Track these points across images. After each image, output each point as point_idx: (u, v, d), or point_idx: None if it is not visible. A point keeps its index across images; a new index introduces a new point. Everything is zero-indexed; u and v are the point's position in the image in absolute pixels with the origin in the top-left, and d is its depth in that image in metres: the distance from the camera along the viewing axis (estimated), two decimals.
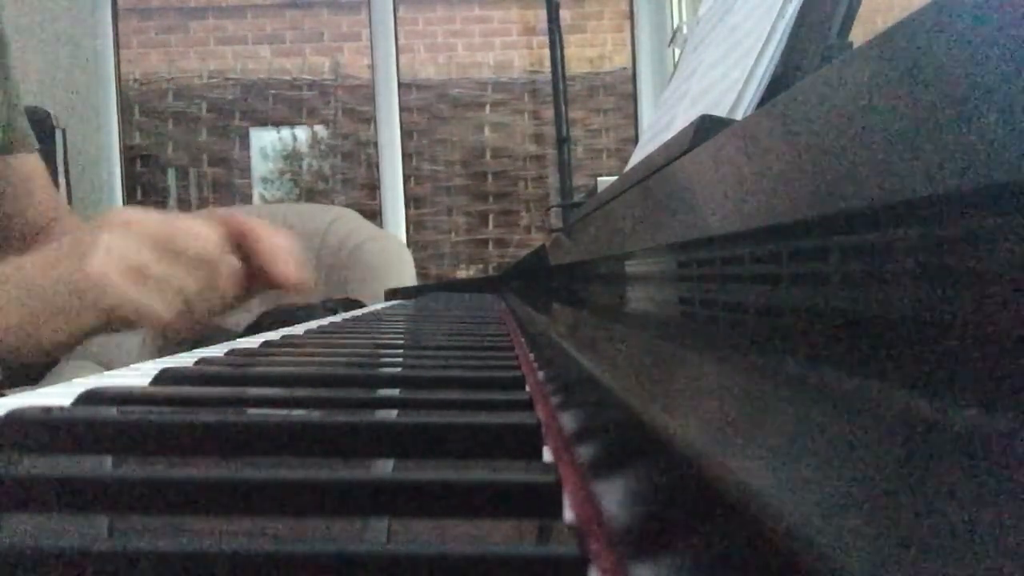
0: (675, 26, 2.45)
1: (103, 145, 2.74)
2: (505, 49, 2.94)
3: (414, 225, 2.89)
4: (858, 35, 0.40)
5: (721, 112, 0.42)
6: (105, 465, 0.22)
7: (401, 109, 2.83)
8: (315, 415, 0.28)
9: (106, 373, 0.42)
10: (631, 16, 2.83)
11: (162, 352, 0.71)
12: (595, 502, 0.19)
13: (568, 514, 0.19)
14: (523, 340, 0.56)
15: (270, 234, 0.59)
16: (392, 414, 0.29)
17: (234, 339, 0.66)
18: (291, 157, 2.96)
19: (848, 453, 0.11)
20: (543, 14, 2.60)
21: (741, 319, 0.29)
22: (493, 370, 0.40)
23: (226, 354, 0.49)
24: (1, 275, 0.52)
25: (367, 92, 2.86)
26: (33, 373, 1.39)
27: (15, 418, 0.25)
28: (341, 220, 2.38)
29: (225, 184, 2.91)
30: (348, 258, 2.27)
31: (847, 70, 0.18)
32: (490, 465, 0.21)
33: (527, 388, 0.35)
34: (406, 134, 2.86)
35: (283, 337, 0.61)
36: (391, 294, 1.82)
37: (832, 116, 0.19)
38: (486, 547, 0.15)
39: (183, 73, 2.90)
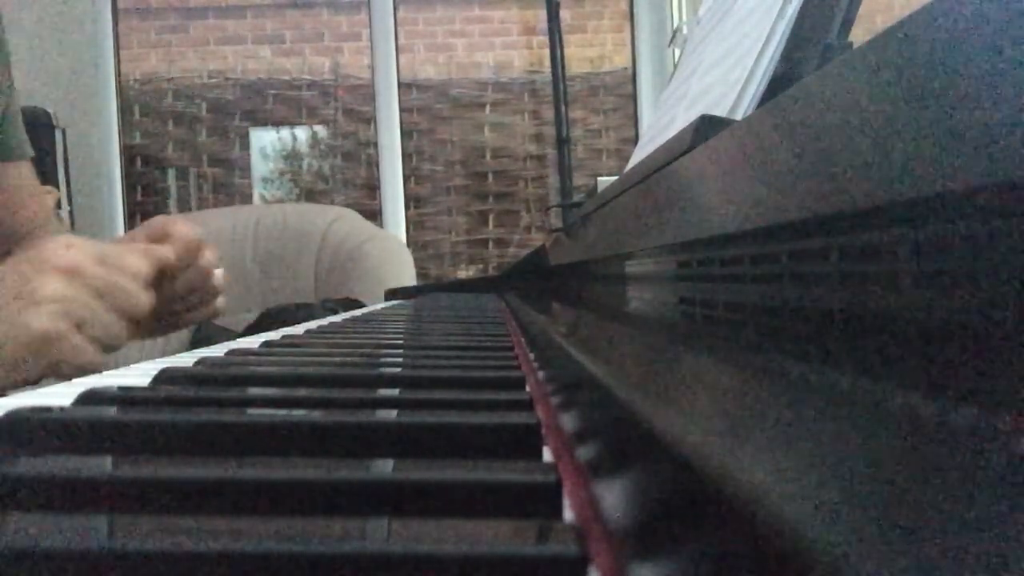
0: (675, 26, 2.45)
1: (103, 145, 2.74)
2: (505, 49, 2.94)
3: (414, 225, 2.88)
4: (858, 35, 0.40)
5: (721, 112, 0.42)
6: (105, 465, 0.22)
7: (401, 109, 2.83)
8: (315, 415, 0.28)
9: (106, 373, 0.43)
10: (631, 16, 2.83)
11: (164, 352, 0.71)
12: (595, 502, 0.19)
13: (568, 514, 0.19)
14: (523, 340, 0.56)
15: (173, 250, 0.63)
16: (392, 414, 0.29)
17: (234, 339, 0.66)
18: (291, 157, 2.96)
19: (848, 452, 0.11)
20: (543, 14, 2.60)
21: (741, 319, 0.29)
22: (493, 370, 0.40)
23: (226, 354, 0.49)
24: None
25: (367, 92, 2.86)
26: None
27: (15, 418, 0.25)
28: (341, 220, 2.38)
29: (225, 184, 2.91)
30: (348, 258, 2.27)
31: (847, 70, 0.18)
32: (490, 465, 0.21)
33: (527, 388, 0.35)
34: (406, 134, 2.86)
35: (283, 337, 0.61)
36: (391, 294, 1.82)
37: (832, 116, 0.19)
38: (486, 547, 0.15)
39: (183, 73, 2.90)
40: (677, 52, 2.21)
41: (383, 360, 0.47)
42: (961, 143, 0.13)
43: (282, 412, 0.29)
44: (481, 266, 2.92)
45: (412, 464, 0.22)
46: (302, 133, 2.95)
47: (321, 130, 2.94)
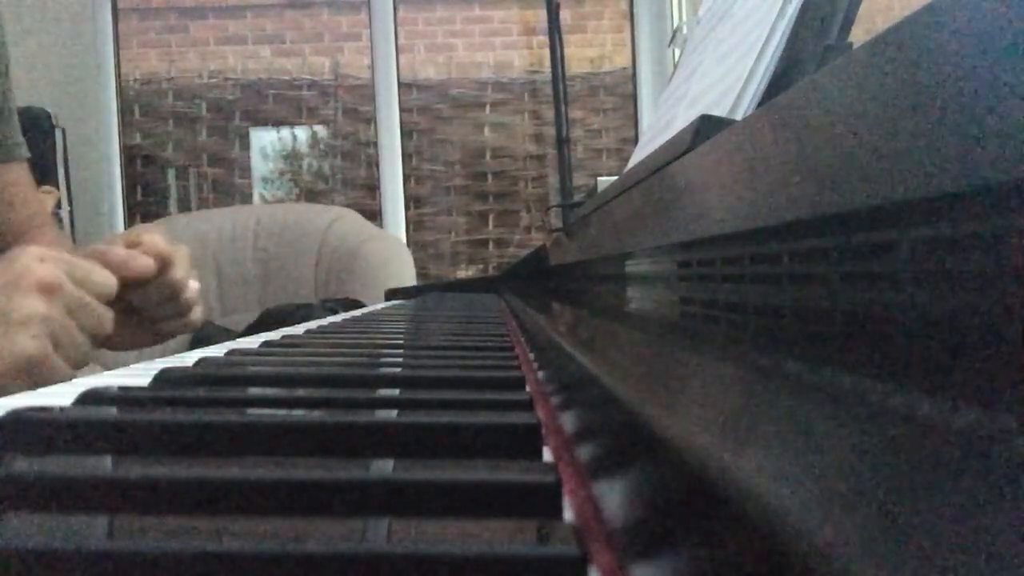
0: (675, 26, 2.45)
1: (103, 145, 2.74)
2: (505, 49, 2.94)
3: (414, 225, 2.88)
4: (858, 35, 0.40)
5: (721, 112, 0.42)
6: (105, 465, 0.22)
7: (401, 109, 2.83)
8: (315, 415, 0.28)
9: (106, 373, 0.42)
10: (631, 16, 2.83)
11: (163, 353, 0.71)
12: (595, 502, 0.19)
13: (568, 514, 0.19)
14: (523, 340, 0.56)
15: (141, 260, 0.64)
16: (392, 414, 0.29)
17: (234, 339, 0.66)
18: (291, 157, 2.96)
19: (848, 453, 0.11)
20: (543, 14, 2.60)
21: (741, 319, 0.29)
22: (493, 370, 0.40)
23: (226, 354, 0.49)
24: None
25: (367, 92, 2.86)
26: None
27: (15, 418, 0.25)
28: (341, 220, 2.38)
29: (225, 184, 2.91)
30: (348, 258, 2.27)
31: (847, 70, 0.18)
32: (490, 465, 0.21)
33: (527, 388, 0.35)
34: (406, 134, 2.86)
35: (283, 337, 0.61)
36: (391, 294, 1.82)
37: (832, 116, 0.19)
38: (486, 547, 0.15)
39: (183, 73, 2.90)
40: (677, 52, 2.22)
41: (383, 360, 0.47)
42: (961, 143, 0.13)
43: (282, 412, 0.29)
44: (481, 266, 2.92)
45: (412, 464, 0.22)
46: (302, 133, 2.95)
47: (321, 130, 2.94)
